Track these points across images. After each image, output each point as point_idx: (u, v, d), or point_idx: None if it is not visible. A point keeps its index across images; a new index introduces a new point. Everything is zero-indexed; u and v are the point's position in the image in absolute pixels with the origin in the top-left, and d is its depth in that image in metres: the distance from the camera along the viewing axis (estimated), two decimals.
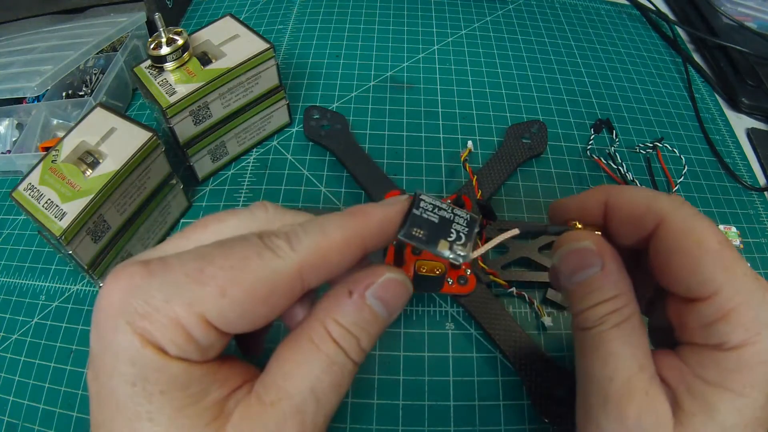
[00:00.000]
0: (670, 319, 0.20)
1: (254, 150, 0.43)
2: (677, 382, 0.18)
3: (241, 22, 0.39)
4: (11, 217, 0.40)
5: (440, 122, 0.45)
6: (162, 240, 0.37)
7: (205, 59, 0.36)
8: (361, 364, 0.18)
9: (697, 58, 0.55)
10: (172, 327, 0.15)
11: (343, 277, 0.19)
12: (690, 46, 0.57)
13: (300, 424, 0.16)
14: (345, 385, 0.17)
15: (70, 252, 0.30)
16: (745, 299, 0.17)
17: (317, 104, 0.45)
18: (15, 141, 0.42)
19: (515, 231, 0.21)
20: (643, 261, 0.21)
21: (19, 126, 0.43)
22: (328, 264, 0.17)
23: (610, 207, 0.21)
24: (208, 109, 0.36)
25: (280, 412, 0.16)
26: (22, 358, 0.33)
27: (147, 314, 0.15)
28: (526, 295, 0.35)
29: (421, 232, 0.19)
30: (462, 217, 0.19)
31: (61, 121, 0.42)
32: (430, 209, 0.19)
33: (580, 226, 0.22)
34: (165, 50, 0.35)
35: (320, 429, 0.17)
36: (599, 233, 0.21)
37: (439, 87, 0.48)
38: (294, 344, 0.17)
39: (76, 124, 0.33)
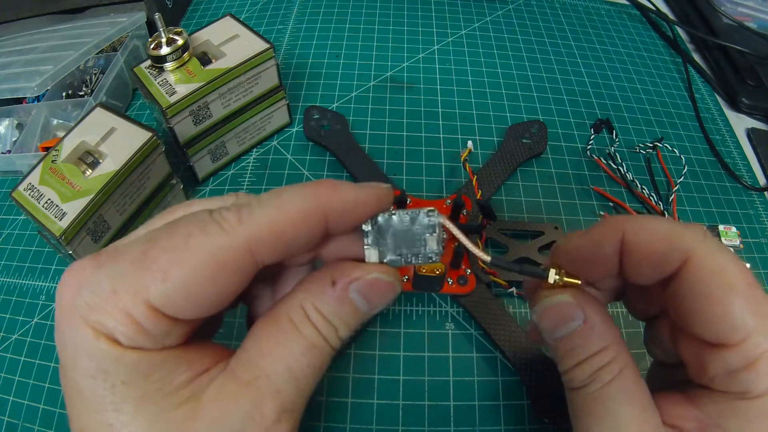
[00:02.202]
0: (684, 358, 0.19)
1: (254, 150, 0.43)
2: None
3: (241, 22, 0.39)
4: (11, 217, 0.40)
5: (440, 122, 0.45)
6: None
7: (205, 59, 0.36)
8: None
9: (697, 58, 0.55)
10: (122, 318, 0.15)
11: (331, 262, 0.18)
12: (690, 46, 0.57)
13: (279, 405, 0.16)
14: (323, 367, 0.17)
15: (70, 252, 0.30)
16: None
17: (317, 104, 0.45)
18: (15, 141, 0.42)
19: (487, 258, 0.20)
20: (650, 290, 0.20)
21: (19, 126, 0.43)
22: (282, 239, 0.16)
23: (628, 246, 0.18)
24: (208, 109, 0.36)
25: (257, 391, 0.16)
26: (22, 358, 0.33)
27: (97, 306, 0.15)
28: None
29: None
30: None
31: (61, 121, 0.42)
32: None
33: (555, 275, 0.20)
34: (165, 50, 0.35)
35: (298, 411, 0.17)
36: (578, 282, 0.20)
37: (439, 87, 0.48)
38: (272, 323, 0.17)
39: (76, 124, 0.33)
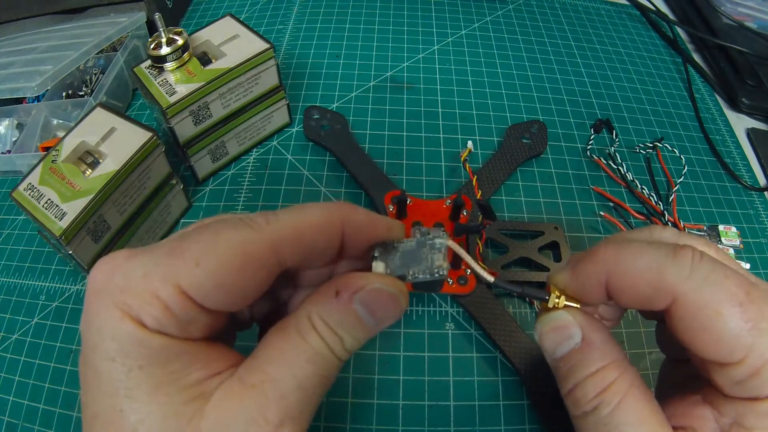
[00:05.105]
0: (693, 362, 0.19)
1: (254, 150, 0.43)
2: None
3: (241, 22, 0.39)
4: (11, 217, 0.40)
5: (440, 122, 0.45)
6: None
7: (205, 59, 0.36)
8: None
9: (697, 58, 0.55)
10: (150, 299, 0.15)
11: (338, 276, 0.19)
12: (690, 46, 0.57)
13: (283, 410, 0.16)
14: (330, 377, 0.17)
15: (70, 252, 0.30)
16: None
17: (317, 104, 0.45)
18: (15, 141, 0.42)
19: (490, 278, 0.20)
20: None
21: (19, 126, 0.43)
22: (303, 241, 0.18)
23: (613, 289, 0.18)
24: (208, 109, 0.36)
25: (263, 395, 0.16)
26: (22, 358, 0.33)
27: (127, 289, 0.15)
28: None
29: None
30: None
31: (61, 121, 0.42)
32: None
33: (555, 299, 0.20)
34: (165, 50, 0.35)
35: (304, 419, 0.17)
36: (578, 306, 0.20)
37: (439, 87, 0.48)
38: (280, 333, 0.17)
39: (76, 124, 0.33)
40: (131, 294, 0.15)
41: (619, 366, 0.18)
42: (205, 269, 0.15)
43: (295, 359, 0.17)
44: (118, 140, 0.32)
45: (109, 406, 0.15)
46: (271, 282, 0.17)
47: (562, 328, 0.19)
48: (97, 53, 0.43)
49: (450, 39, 0.53)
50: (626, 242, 0.19)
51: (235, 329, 0.22)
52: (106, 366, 0.15)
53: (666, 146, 0.44)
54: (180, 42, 0.35)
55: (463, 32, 0.54)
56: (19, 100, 0.43)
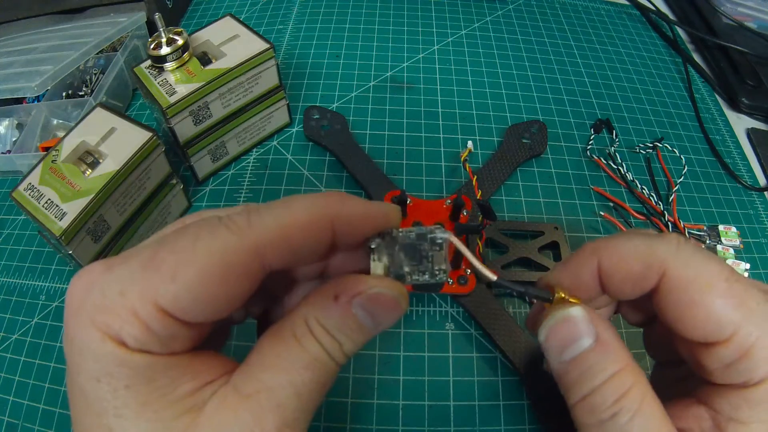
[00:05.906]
0: (682, 356, 0.19)
1: (254, 150, 0.43)
2: None
3: (241, 22, 0.39)
4: (11, 217, 0.40)
5: (440, 122, 0.45)
6: None
7: (205, 59, 0.36)
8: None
9: (697, 58, 0.55)
10: (129, 319, 0.14)
11: (335, 277, 0.18)
12: (690, 46, 0.57)
13: (279, 420, 0.15)
14: (327, 383, 0.17)
15: (70, 252, 0.30)
16: (765, 330, 0.16)
17: (317, 104, 0.45)
18: (15, 141, 0.42)
19: (493, 277, 0.19)
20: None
21: (19, 126, 0.43)
22: (289, 244, 0.16)
23: (604, 271, 0.18)
24: (208, 109, 0.36)
25: (258, 404, 0.15)
26: (22, 358, 0.33)
27: (105, 308, 0.15)
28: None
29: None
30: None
31: (61, 121, 0.42)
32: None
33: (563, 294, 0.19)
34: (165, 50, 0.35)
35: (301, 427, 0.16)
36: (580, 306, 0.19)
37: (439, 87, 0.48)
38: (276, 338, 0.17)
39: (76, 124, 0.33)
40: (109, 313, 0.15)
41: (633, 369, 0.17)
42: (183, 283, 0.15)
43: (292, 366, 0.16)
44: (118, 140, 0.32)
45: (98, 425, 0.15)
46: (255, 287, 0.16)
47: (573, 325, 0.18)
48: (97, 53, 0.44)
49: (450, 39, 0.53)
50: (614, 234, 0.19)
51: (229, 326, 0.21)
52: (91, 386, 0.15)
53: (666, 146, 0.44)
54: (180, 42, 0.35)
55: (463, 32, 0.54)
56: (19, 100, 0.43)
